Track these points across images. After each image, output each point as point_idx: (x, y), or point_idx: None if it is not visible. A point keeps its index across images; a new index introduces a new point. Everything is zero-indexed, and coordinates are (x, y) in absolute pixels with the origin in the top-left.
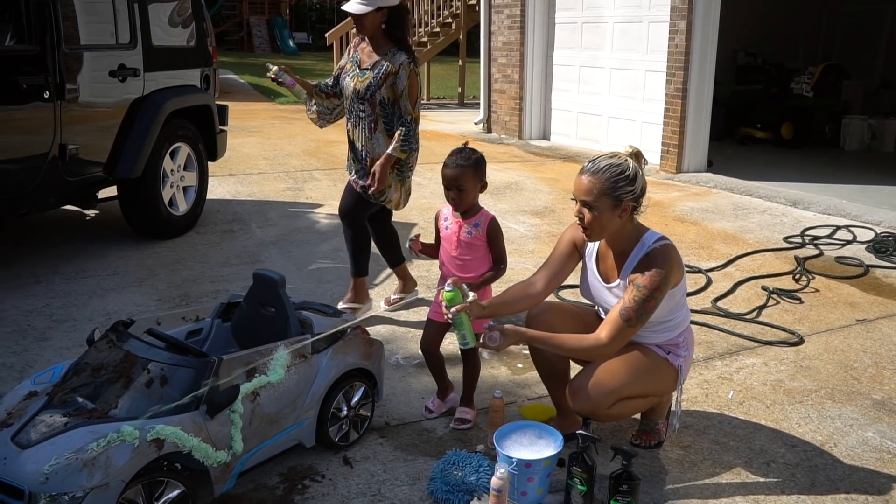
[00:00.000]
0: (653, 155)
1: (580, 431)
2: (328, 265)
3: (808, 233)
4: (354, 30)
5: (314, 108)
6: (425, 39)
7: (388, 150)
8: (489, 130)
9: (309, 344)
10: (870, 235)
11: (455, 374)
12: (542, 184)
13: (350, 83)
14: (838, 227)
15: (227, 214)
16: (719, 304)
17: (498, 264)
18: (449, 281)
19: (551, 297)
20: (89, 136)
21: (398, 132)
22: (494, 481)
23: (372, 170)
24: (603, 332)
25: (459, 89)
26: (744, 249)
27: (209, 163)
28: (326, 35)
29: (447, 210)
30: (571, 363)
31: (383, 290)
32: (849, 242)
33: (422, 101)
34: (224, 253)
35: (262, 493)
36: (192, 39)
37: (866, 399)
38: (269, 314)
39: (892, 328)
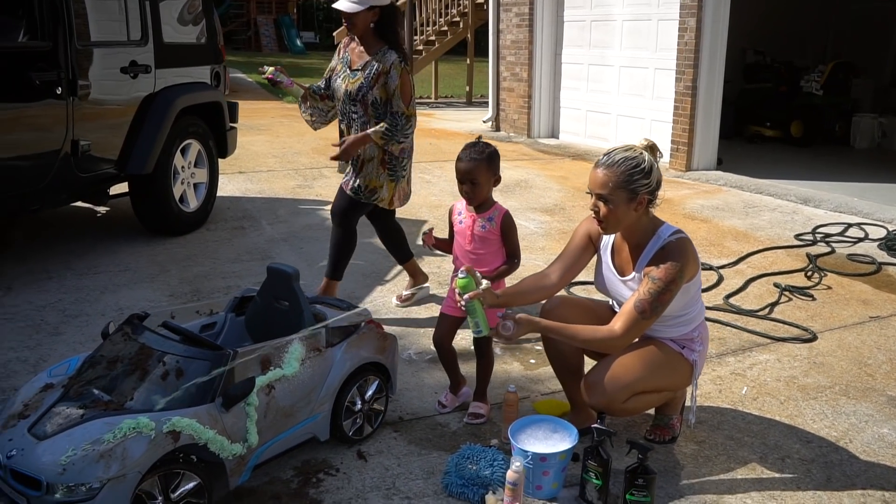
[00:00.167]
0: (662, 153)
1: (595, 425)
2: None
3: (819, 230)
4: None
5: (308, 110)
6: (433, 38)
7: (369, 131)
8: (498, 129)
9: (323, 337)
10: (882, 233)
11: (468, 369)
12: (552, 181)
13: (341, 85)
14: (850, 225)
15: (238, 211)
16: (731, 300)
17: (512, 258)
18: (462, 268)
19: (561, 293)
20: (101, 133)
21: (384, 122)
22: (510, 475)
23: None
24: (617, 324)
25: (467, 88)
26: (755, 247)
27: (219, 160)
28: (334, 34)
29: (461, 204)
30: (585, 358)
31: (395, 287)
32: (860, 240)
33: (431, 100)
34: (235, 249)
35: (277, 486)
36: (203, 36)
37: (881, 395)
38: (282, 308)
39: None
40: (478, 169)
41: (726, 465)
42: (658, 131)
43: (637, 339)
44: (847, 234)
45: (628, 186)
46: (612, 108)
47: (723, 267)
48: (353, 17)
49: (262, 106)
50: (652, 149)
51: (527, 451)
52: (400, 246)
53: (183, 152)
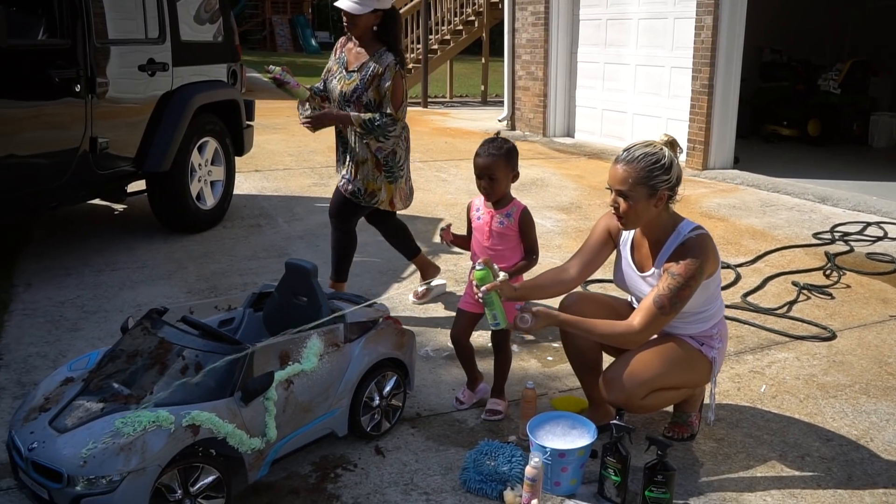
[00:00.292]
0: (682, 148)
1: (614, 421)
2: (355, 259)
3: (837, 229)
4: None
5: (308, 112)
6: (448, 37)
7: (352, 113)
8: (513, 128)
9: (342, 333)
10: None
11: (485, 366)
12: (568, 180)
13: (337, 86)
14: (868, 224)
15: (254, 209)
16: (749, 298)
17: (530, 254)
18: (480, 260)
19: (578, 289)
20: (119, 130)
21: (372, 114)
22: (529, 470)
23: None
24: (636, 319)
25: (483, 87)
26: (772, 245)
27: (236, 158)
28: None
29: (479, 201)
30: (604, 354)
31: (411, 284)
32: (879, 239)
33: (447, 99)
34: (251, 247)
35: (295, 481)
36: (220, 35)
37: None
38: (301, 304)
39: None
40: (496, 164)
41: (745, 462)
42: (674, 130)
43: (656, 336)
44: (866, 232)
45: (648, 182)
46: (628, 107)
47: (740, 265)
48: (356, 19)
49: (277, 105)
50: (672, 144)
51: (545, 447)
52: (406, 242)
53: (200, 150)
